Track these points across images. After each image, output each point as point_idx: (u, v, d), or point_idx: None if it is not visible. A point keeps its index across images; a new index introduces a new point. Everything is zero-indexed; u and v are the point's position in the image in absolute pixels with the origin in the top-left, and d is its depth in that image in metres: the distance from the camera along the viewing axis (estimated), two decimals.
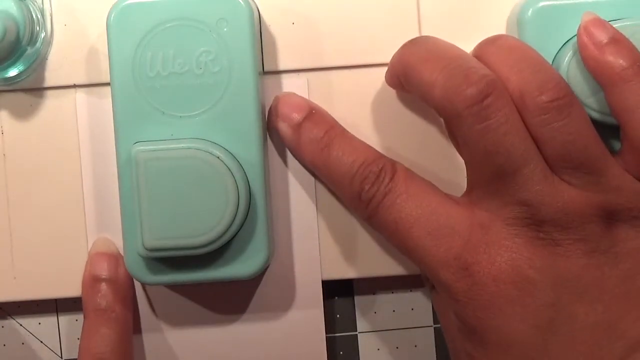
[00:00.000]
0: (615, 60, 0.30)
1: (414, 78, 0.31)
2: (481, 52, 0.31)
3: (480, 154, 0.29)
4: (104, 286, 0.35)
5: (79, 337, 0.35)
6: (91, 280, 0.35)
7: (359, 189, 0.31)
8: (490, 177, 0.29)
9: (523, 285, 0.29)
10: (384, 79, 0.35)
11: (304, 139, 0.33)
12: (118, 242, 0.36)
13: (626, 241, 0.29)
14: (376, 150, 0.32)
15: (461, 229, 0.30)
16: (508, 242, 0.29)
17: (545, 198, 0.29)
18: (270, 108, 0.35)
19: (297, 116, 0.33)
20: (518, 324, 0.28)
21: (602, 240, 0.29)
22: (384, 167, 0.31)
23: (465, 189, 0.32)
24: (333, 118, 0.34)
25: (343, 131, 0.33)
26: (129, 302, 0.36)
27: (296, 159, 0.35)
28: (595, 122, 0.33)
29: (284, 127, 0.34)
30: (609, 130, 0.33)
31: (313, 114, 0.34)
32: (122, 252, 0.35)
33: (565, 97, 0.29)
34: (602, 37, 0.31)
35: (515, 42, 0.32)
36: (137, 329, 0.37)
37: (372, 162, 0.31)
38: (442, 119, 0.32)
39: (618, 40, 0.31)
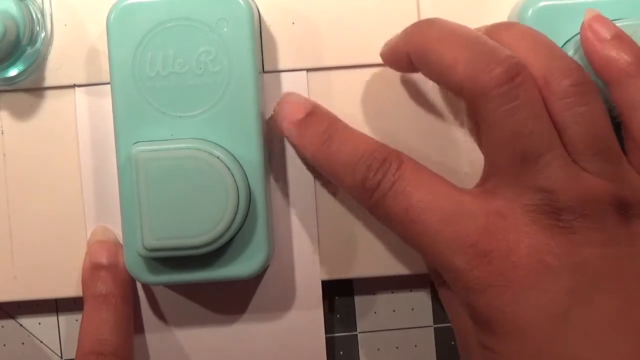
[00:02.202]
0: (620, 55, 0.30)
1: (431, 57, 0.30)
2: (496, 36, 0.31)
3: (504, 136, 0.29)
4: (103, 273, 0.35)
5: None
6: (91, 268, 0.35)
7: (363, 177, 0.31)
8: (510, 162, 0.29)
9: (541, 271, 0.28)
10: (383, 79, 0.35)
11: (306, 134, 0.33)
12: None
13: None
14: (380, 142, 0.32)
15: (477, 216, 0.29)
16: (527, 229, 0.29)
17: (565, 185, 0.28)
18: (274, 110, 0.35)
19: (299, 114, 0.33)
20: (535, 311, 0.28)
21: (619, 232, 0.29)
22: (390, 156, 0.31)
23: (464, 189, 0.32)
24: (335, 115, 0.34)
25: (345, 125, 0.33)
26: (129, 288, 0.36)
27: (299, 156, 0.35)
28: None
29: (286, 126, 0.34)
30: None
31: (315, 111, 0.34)
32: (120, 240, 0.35)
33: (587, 83, 0.29)
34: (606, 33, 0.31)
35: (530, 29, 0.31)
36: (137, 328, 0.37)
37: (375, 150, 0.31)
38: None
39: (621, 36, 0.31)
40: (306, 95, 0.36)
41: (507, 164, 0.29)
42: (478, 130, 0.31)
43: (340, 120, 0.34)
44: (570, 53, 0.33)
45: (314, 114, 0.33)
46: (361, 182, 0.31)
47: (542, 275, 0.28)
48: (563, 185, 0.29)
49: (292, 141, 0.34)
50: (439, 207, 0.29)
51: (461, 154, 0.36)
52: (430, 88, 0.36)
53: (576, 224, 0.29)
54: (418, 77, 0.36)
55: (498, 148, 0.29)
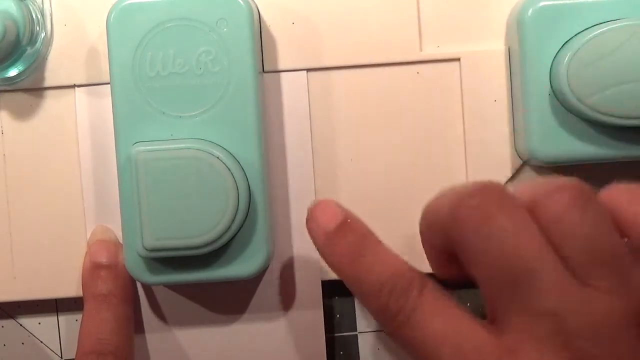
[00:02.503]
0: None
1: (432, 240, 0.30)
2: None
3: (490, 265, 0.27)
4: (104, 273, 0.35)
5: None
6: (91, 267, 0.35)
7: (386, 300, 0.29)
8: (506, 290, 0.27)
9: None
10: (383, 79, 0.35)
11: (336, 247, 0.31)
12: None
13: None
14: (408, 264, 0.30)
15: (490, 352, 0.27)
16: None
17: (572, 305, 0.26)
18: (307, 215, 0.33)
19: (330, 224, 0.31)
20: None
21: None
22: (414, 282, 0.29)
23: (481, 321, 0.29)
24: (368, 228, 0.32)
25: (377, 242, 0.31)
26: (129, 288, 0.36)
27: (328, 265, 0.32)
28: (598, 123, 0.33)
29: (316, 234, 0.32)
30: (613, 132, 0.33)
31: (347, 222, 0.31)
32: (121, 240, 0.35)
33: (581, 192, 0.27)
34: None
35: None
36: (137, 328, 0.37)
37: (401, 274, 0.29)
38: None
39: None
40: (306, 95, 0.36)
41: (503, 295, 0.27)
42: (469, 268, 0.28)
43: (372, 235, 0.32)
44: (570, 54, 0.32)
45: (345, 226, 0.31)
46: (384, 306, 0.29)
47: None
48: (569, 304, 0.26)
49: (320, 251, 0.32)
50: (454, 342, 0.27)
51: (461, 153, 0.36)
52: (431, 89, 0.36)
53: (593, 352, 0.26)
54: (418, 76, 0.36)
55: (489, 281, 0.27)
